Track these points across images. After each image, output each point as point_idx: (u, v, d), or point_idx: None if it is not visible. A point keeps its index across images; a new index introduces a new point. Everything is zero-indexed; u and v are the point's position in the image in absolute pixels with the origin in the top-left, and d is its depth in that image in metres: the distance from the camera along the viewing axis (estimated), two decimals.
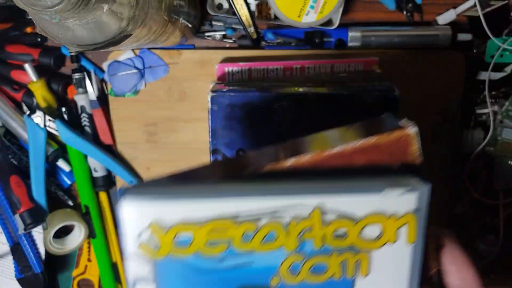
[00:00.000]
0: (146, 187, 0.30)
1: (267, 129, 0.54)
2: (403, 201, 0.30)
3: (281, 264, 0.30)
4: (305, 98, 0.52)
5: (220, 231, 0.29)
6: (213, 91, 0.53)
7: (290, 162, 0.32)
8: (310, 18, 0.54)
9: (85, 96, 0.61)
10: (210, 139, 0.54)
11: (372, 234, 0.30)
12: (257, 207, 0.29)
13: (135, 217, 0.28)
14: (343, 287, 0.31)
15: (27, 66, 0.59)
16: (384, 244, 0.30)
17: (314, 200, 0.30)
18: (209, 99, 0.53)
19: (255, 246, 0.29)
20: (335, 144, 0.32)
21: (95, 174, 0.63)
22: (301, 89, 0.53)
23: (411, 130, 0.33)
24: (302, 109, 0.53)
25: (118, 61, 0.60)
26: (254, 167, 0.32)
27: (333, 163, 0.32)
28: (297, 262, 0.30)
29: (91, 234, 0.65)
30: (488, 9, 0.56)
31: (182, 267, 0.29)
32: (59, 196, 0.65)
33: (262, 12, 0.58)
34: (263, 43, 0.59)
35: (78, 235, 0.65)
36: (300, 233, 0.30)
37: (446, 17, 0.58)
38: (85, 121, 0.61)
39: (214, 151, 0.55)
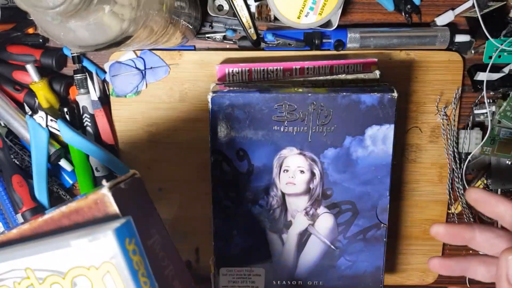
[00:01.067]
0: None
1: (267, 130, 0.54)
2: (96, 251, 0.31)
3: None
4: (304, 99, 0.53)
5: None
6: (213, 91, 0.53)
7: (15, 230, 0.36)
8: (310, 19, 0.54)
9: (87, 96, 0.61)
10: (210, 139, 0.55)
11: (84, 286, 0.32)
12: None
13: None
14: None
15: (29, 67, 0.59)
16: None
17: (23, 262, 0.33)
18: (209, 99, 0.53)
19: None
20: (46, 214, 0.36)
21: (96, 174, 0.63)
22: (300, 90, 0.54)
23: (105, 190, 0.35)
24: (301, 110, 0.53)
25: (120, 62, 0.60)
26: None
27: (47, 228, 0.36)
28: None
29: None
30: (486, 10, 0.56)
31: None
32: (61, 196, 0.65)
33: (262, 13, 0.58)
34: (263, 44, 0.59)
35: None
36: None
37: (444, 18, 0.59)
38: (87, 121, 0.62)
39: (214, 152, 0.55)
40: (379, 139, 0.54)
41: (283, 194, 0.57)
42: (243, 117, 0.54)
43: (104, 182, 0.36)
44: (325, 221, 0.58)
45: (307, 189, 0.56)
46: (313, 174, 0.56)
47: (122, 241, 0.32)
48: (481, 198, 0.42)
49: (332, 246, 0.58)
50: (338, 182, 0.56)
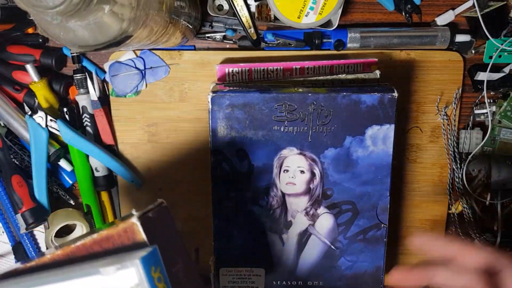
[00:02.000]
0: None
1: (267, 130, 0.54)
2: (123, 278, 0.34)
3: None
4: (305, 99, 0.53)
5: None
6: (213, 91, 0.53)
7: (49, 255, 0.39)
8: (310, 19, 0.54)
9: (87, 96, 0.61)
10: (211, 139, 0.55)
11: None
12: None
13: None
14: None
15: (28, 67, 0.59)
16: None
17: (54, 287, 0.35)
18: (209, 99, 0.53)
19: None
20: (79, 240, 0.39)
21: (96, 174, 0.63)
22: (300, 90, 0.54)
23: (134, 219, 0.37)
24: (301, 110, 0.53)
25: (119, 62, 0.60)
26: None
27: (80, 254, 0.38)
28: None
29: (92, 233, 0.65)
30: (486, 10, 0.56)
31: None
32: (61, 196, 0.65)
33: (262, 13, 0.58)
34: (263, 44, 0.59)
35: (79, 234, 0.66)
36: None
37: (445, 18, 0.59)
38: (86, 121, 0.62)
39: (214, 152, 0.55)
40: (380, 139, 0.54)
41: (283, 194, 0.57)
42: (243, 117, 0.54)
43: (133, 211, 0.38)
44: (325, 221, 0.57)
45: (307, 189, 0.56)
46: (313, 174, 0.56)
47: (148, 269, 0.34)
48: (426, 244, 0.41)
49: (332, 246, 0.58)
50: (338, 182, 0.56)
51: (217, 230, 0.58)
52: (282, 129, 0.54)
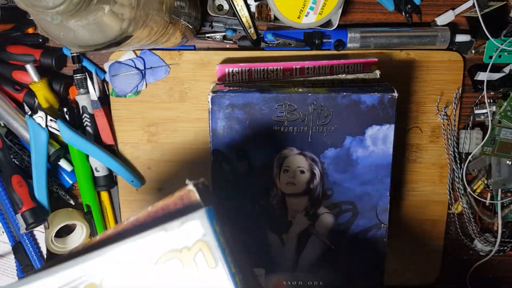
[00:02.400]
0: None
1: (267, 129, 0.54)
2: (188, 232, 0.35)
3: None
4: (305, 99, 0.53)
5: None
6: (213, 91, 0.53)
7: (113, 229, 0.39)
8: (310, 19, 0.54)
9: (87, 96, 0.61)
10: (211, 139, 0.55)
11: (175, 268, 0.35)
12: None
13: None
14: None
15: (28, 67, 0.59)
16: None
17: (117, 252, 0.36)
18: (209, 99, 0.53)
19: None
20: (130, 218, 0.39)
21: (96, 174, 0.63)
22: (300, 90, 0.54)
23: (190, 187, 0.39)
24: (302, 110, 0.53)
25: (119, 62, 0.60)
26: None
27: (133, 228, 0.39)
28: None
29: (92, 233, 0.65)
30: (486, 10, 0.56)
31: None
32: (61, 196, 0.65)
33: (262, 13, 0.58)
34: (263, 44, 0.59)
35: (79, 235, 0.66)
36: None
37: (445, 18, 0.59)
38: (86, 121, 0.62)
39: (214, 152, 0.55)
40: (380, 139, 0.54)
41: (283, 194, 0.56)
42: (243, 117, 0.54)
43: (187, 181, 0.39)
44: (325, 221, 0.57)
45: (307, 189, 0.56)
46: (313, 174, 0.56)
47: (211, 220, 0.35)
48: None
49: (332, 246, 0.58)
50: (338, 182, 0.56)
51: None
52: (282, 129, 0.54)
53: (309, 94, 0.53)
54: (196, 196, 0.38)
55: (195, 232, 0.35)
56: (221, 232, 0.36)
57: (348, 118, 0.53)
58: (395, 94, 0.53)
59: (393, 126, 0.54)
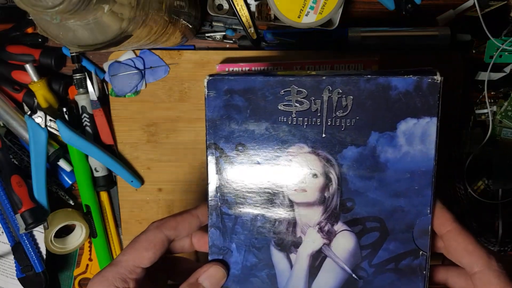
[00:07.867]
0: None
1: (271, 121, 0.44)
2: None
3: None
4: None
5: None
6: (210, 75, 0.45)
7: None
8: (310, 18, 0.54)
9: (86, 96, 0.61)
10: (206, 132, 0.45)
11: None
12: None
13: None
14: None
15: (28, 67, 0.59)
16: None
17: None
18: (205, 83, 0.44)
19: None
20: None
21: (96, 174, 0.63)
22: (313, 72, 0.44)
23: None
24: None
25: (119, 62, 0.60)
26: None
27: None
28: None
29: (92, 234, 0.65)
30: (487, 10, 0.56)
31: None
32: (60, 196, 0.65)
33: (262, 12, 0.58)
34: (263, 43, 0.59)
35: (79, 235, 0.66)
36: None
37: (445, 18, 0.59)
38: (86, 121, 0.62)
39: (210, 145, 0.45)
40: (417, 136, 0.42)
41: (291, 203, 0.44)
42: (243, 105, 0.43)
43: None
44: (344, 241, 0.44)
45: (321, 198, 0.44)
46: (328, 179, 0.43)
47: None
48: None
49: (353, 275, 0.44)
50: (361, 191, 0.43)
51: (213, 243, 0.46)
52: (289, 121, 0.43)
53: (323, 77, 0.41)
54: None
55: None
56: None
57: (373, 108, 0.42)
58: (438, 77, 0.40)
59: (435, 120, 0.41)
